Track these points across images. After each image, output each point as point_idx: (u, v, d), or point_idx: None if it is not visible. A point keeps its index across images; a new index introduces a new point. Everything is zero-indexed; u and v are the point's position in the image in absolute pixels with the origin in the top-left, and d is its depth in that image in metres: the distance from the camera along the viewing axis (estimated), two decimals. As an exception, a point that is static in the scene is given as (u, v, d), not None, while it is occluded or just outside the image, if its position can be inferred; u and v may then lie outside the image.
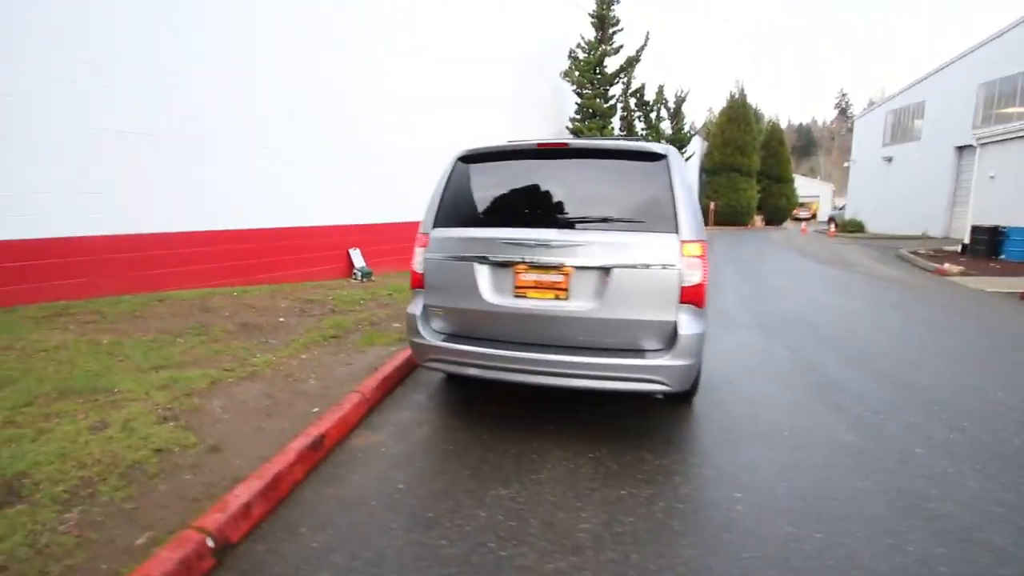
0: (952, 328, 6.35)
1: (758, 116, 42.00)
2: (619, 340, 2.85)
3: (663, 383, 2.73)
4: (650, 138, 13.57)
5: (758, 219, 38.57)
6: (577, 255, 2.83)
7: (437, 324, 3.14)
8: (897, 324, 6.49)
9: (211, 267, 6.39)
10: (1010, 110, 17.56)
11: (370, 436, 3.08)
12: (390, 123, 8.88)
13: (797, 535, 2.16)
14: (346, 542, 2.11)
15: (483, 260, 2.98)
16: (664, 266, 2.77)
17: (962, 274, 10.57)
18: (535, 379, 2.87)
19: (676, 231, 2.82)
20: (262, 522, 2.21)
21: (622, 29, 13.75)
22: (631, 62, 13.71)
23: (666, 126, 19.01)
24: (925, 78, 21.36)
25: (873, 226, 23.81)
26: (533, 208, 3.09)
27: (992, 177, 13.85)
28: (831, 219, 30.90)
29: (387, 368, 3.87)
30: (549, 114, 14.19)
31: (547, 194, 3.09)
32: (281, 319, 5.39)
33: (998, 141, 13.84)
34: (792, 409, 3.58)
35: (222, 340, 4.46)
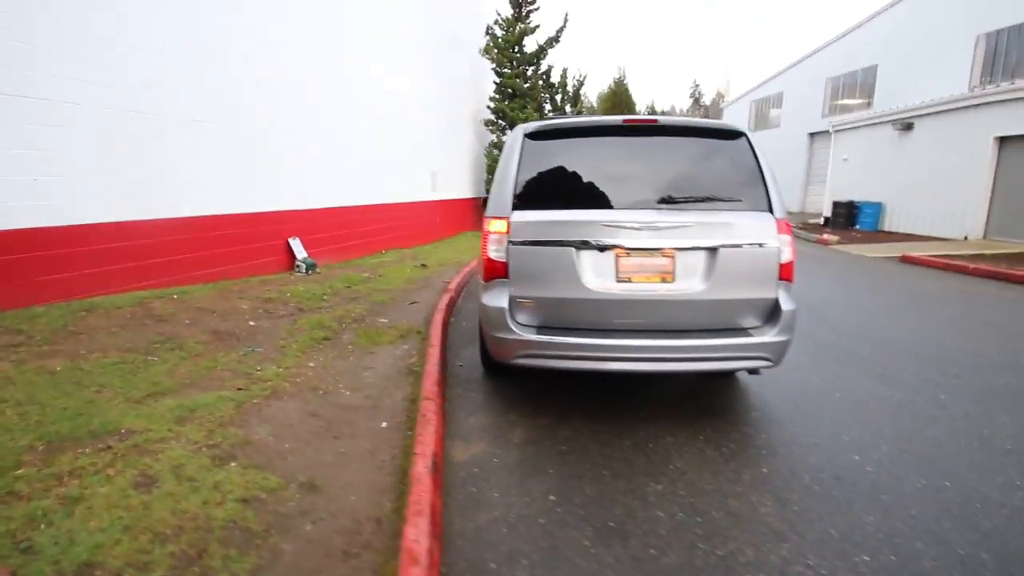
0: (870, 288, 7.39)
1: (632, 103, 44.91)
2: (725, 320, 2.83)
3: (768, 359, 2.77)
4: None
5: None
6: (683, 236, 2.74)
7: (524, 316, 2.86)
8: (827, 287, 7.39)
9: (136, 265, 5.22)
10: (849, 101, 20.83)
11: (467, 447, 2.74)
12: (317, 96, 7.91)
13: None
14: (549, 570, 1.84)
15: (584, 245, 2.76)
16: (763, 245, 2.80)
17: (839, 243, 12.36)
18: (640, 366, 2.75)
19: (770, 210, 2.86)
20: (442, 568, 1.84)
21: (538, 8, 13.70)
22: (551, 42, 13.74)
23: (569, 110, 19.50)
24: (783, 72, 24.44)
25: (743, 203, 26.91)
26: (627, 188, 2.92)
27: (845, 159, 16.33)
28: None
29: (432, 370, 3.48)
30: (468, 91, 13.77)
31: (638, 173, 2.94)
32: (251, 323, 4.61)
33: (849, 128, 16.32)
34: (820, 371, 3.88)
35: (204, 354, 3.68)
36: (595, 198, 2.89)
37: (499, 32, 13.62)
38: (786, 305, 2.81)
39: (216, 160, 6.21)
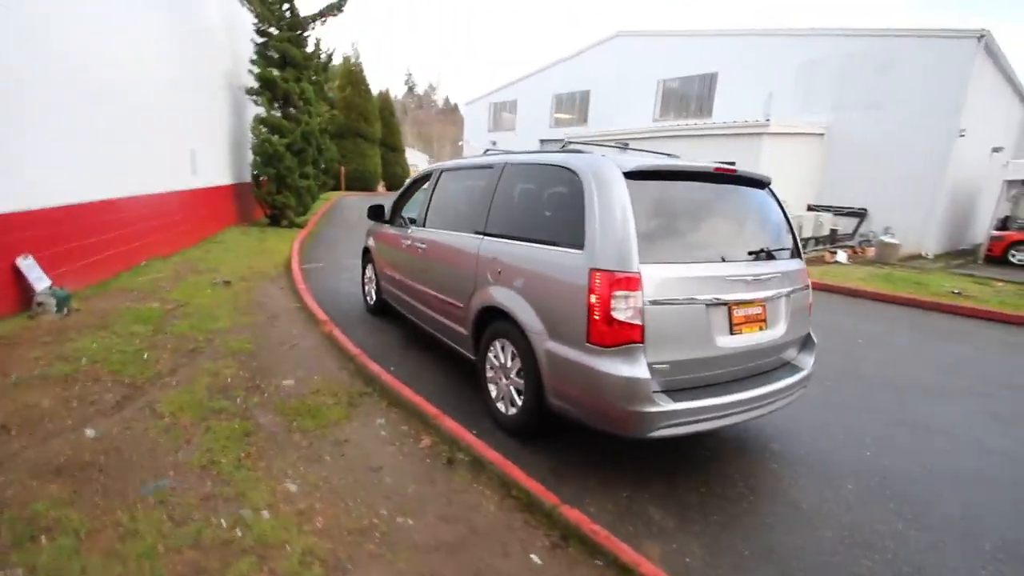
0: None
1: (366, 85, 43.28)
2: (787, 358, 3.12)
3: (805, 388, 3.20)
4: (313, 95, 12.02)
5: (381, 186, 40.87)
6: (772, 285, 2.92)
7: (655, 383, 2.55)
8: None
9: None
10: (570, 116, 25.01)
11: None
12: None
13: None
14: None
15: (716, 302, 2.66)
16: (807, 287, 3.21)
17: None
18: (749, 415, 2.81)
19: (801, 256, 3.27)
20: None
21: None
22: (332, 8, 11.86)
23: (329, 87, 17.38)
24: (517, 81, 27.38)
25: (484, 196, 29.35)
26: (723, 237, 2.88)
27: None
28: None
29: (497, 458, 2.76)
30: (220, 45, 10.77)
31: (727, 222, 2.93)
32: (88, 431, 2.77)
33: (580, 143, 19.61)
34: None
35: (96, 532, 2.02)
36: (704, 249, 2.79)
37: (260, -21, 11.09)
38: (813, 336, 3.30)
39: None
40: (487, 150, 4.44)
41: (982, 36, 12.81)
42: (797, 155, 15.21)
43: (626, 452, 3.07)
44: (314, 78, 12.88)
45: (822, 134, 15.72)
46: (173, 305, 5.38)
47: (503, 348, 3.21)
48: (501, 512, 2.38)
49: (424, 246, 4.18)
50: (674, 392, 2.59)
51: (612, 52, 21.83)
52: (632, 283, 2.45)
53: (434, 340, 4.39)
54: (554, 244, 2.83)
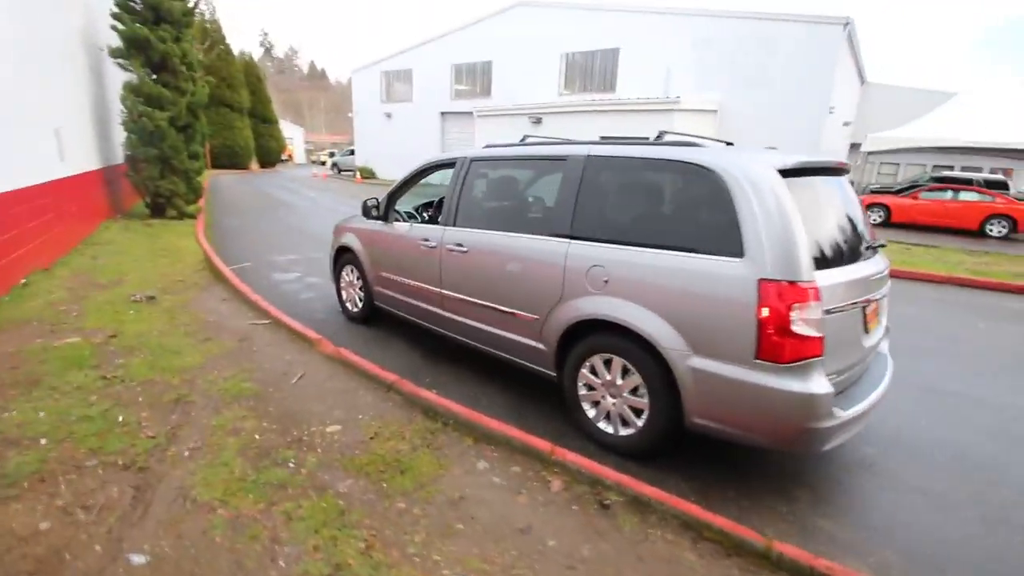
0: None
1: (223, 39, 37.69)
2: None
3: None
4: (196, 59, 10.09)
5: (254, 163, 36.45)
6: (885, 277, 2.93)
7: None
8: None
9: None
10: (465, 87, 24.13)
11: None
12: None
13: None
14: None
15: (866, 304, 2.64)
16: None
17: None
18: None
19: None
20: None
21: None
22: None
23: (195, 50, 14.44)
24: (410, 49, 25.61)
25: (381, 173, 27.58)
26: (848, 235, 2.77)
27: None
28: (335, 164, 32.99)
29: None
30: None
31: (843, 217, 2.83)
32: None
33: (492, 116, 19.08)
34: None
35: None
36: (842, 247, 2.66)
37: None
38: None
39: None
40: (525, 137, 3.94)
41: (847, 24, 14.59)
42: (698, 131, 16.29)
43: (725, 458, 2.97)
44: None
45: (715, 110, 16.97)
46: (101, 337, 4.18)
47: (607, 364, 2.89)
48: (705, 561, 2.12)
49: (463, 249, 3.63)
50: (838, 399, 2.50)
51: (513, 21, 21.36)
52: (811, 294, 2.27)
53: (465, 350, 3.93)
54: (692, 251, 2.54)
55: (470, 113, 21.30)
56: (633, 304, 2.70)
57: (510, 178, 3.76)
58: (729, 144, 3.23)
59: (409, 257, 4.18)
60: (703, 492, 2.63)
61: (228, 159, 31.27)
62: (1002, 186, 14.61)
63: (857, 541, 2.34)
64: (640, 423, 2.81)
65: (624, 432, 2.89)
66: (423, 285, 4.05)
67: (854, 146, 19.45)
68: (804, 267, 2.28)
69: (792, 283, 2.26)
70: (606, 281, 2.81)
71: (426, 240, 3.96)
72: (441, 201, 4.92)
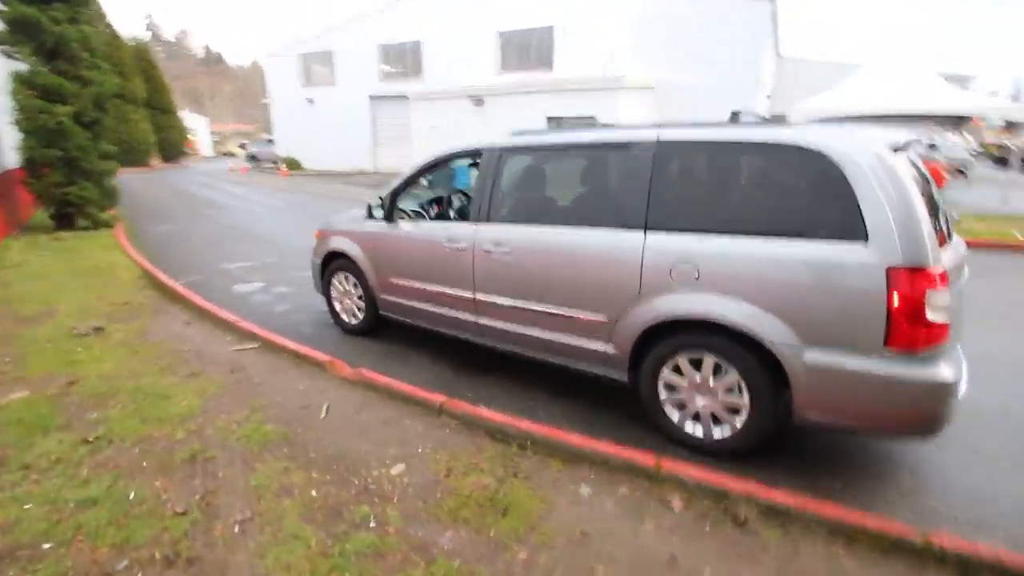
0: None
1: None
2: None
3: None
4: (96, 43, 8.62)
5: (155, 159, 32.89)
6: None
7: None
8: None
9: None
10: (393, 69, 22.90)
11: None
12: None
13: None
14: None
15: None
16: None
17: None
18: None
19: None
20: None
21: None
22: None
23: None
24: (329, 31, 23.76)
25: (307, 163, 25.73)
26: (942, 214, 2.70)
27: (434, 127, 18.27)
28: (253, 156, 30.41)
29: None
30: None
31: (933, 197, 2.75)
32: None
33: (437, 99, 18.22)
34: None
35: None
36: (943, 227, 2.58)
37: None
38: None
39: None
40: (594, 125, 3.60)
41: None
42: (638, 108, 16.47)
43: (808, 447, 2.90)
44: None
45: (653, 87, 17.23)
46: (57, 387, 3.43)
47: (695, 363, 2.69)
48: (866, 565, 1.98)
49: (506, 249, 3.27)
50: None
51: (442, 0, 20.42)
52: (941, 279, 2.17)
53: (497, 357, 3.66)
54: (801, 236, 2.37)
55: (404, 96, 20.29)
56: (732, 299, 2.50)
57: (556, 168, 3.43)
58: (780, 118, 3.10)
59: (428, 260, 3.75)
60: (814, 487, 2.52)
61: (125, 156, 27.92)
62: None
63: (977, 518, 2.32)
64: (738, 423, 2.65)
65: (719, 434, 2.72)
66: (449, 291, 3.65)
67: (775, 118, 20.57)
68: (931, 252, 2.17)
69: (923, 268, 2.15)
70: (697, 275, 2.58)
71: (452, 240, 3.55)
72: (446, 198, 4.50)
